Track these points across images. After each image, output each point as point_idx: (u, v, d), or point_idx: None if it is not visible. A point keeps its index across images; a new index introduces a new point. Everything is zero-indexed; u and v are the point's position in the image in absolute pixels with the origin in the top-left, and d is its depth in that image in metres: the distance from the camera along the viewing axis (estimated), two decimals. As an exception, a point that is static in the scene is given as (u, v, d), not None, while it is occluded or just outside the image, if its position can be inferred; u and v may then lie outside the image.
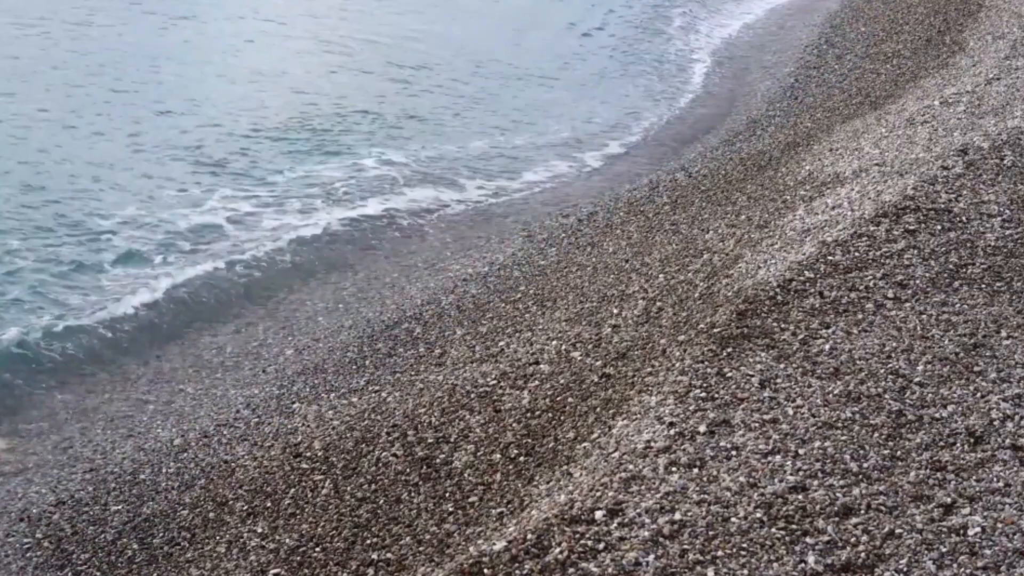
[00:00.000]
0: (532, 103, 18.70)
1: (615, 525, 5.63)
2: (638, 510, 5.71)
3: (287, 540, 7.33)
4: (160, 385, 10.33)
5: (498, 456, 7.55)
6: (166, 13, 22.41)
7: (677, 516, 5.64)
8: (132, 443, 9.20)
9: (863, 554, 5.37)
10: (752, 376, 6.95)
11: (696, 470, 6.02)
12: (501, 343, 9.67)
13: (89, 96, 17.37)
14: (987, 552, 5.37)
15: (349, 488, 7.71)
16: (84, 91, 17.59)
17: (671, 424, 6.50)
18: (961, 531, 5.52)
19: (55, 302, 11.45)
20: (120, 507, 8.32)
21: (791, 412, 6.54)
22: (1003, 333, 7.46)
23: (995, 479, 5.93)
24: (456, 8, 24.62)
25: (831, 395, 6.72)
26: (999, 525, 5.56)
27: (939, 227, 8.99)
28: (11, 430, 9.51)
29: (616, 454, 6.38)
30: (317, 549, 7.16)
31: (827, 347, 7.27)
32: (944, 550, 5.40)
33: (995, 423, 6.43)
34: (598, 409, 7.51)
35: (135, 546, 7.86)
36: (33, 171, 14.44)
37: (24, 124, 16.00)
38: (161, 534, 7.94)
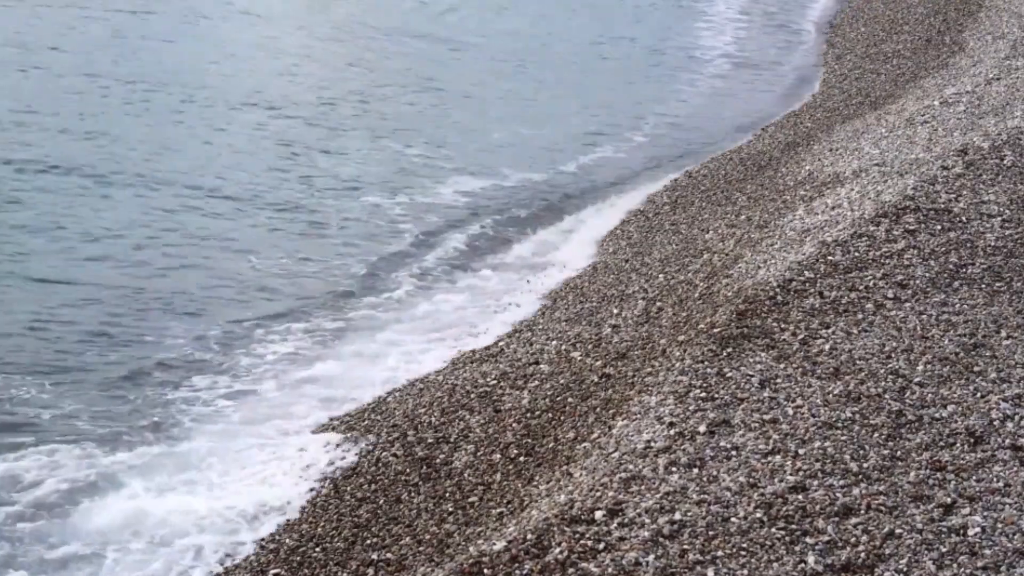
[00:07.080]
0: (538, 104, 18.68)
1: (615, 525, 5.63)
2: (638, 510, 5.72)
3: (287, 540, 7.32)
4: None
5: (498, 456, 7.55)
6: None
7: (677, 516, 5.64)
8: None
9: (863, 554, 5.37)
10: (752, 376, 6.95)
11: (696, 470, 6.03)
12: (501, 343, 9.67)
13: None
14: (987, 552, 5.38)
15: (349, 488, 7.71)
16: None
17: (671, 424, 6.50)
18: (961, 531, 5.52)
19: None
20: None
21: (791, 412, 6.54)
22: (1003, 333, 7.46)
23: (995, 479, 5.93)
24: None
25: (831, 395, 6.72)
26: (999, 525, 5.56)
27: (939, 227, 8.99)
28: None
29: (616, 454, 6.38)
30: (317, 549, 7.16)
31: (827, 347, 7.28)
32: (944, 550, 5.40)
33: (995, 423, 6.43)
34: (598, 409, 7.51)
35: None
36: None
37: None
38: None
